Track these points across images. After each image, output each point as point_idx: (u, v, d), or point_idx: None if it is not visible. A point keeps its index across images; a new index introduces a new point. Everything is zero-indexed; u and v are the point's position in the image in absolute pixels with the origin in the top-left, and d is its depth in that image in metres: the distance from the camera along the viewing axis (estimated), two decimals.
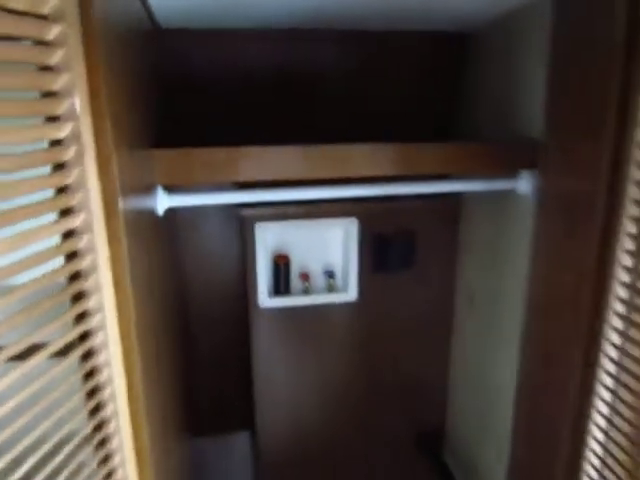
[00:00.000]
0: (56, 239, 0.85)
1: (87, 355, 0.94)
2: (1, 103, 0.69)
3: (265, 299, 2.00)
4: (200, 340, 2.20)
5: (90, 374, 0.95)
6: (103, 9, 0.86)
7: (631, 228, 1.04)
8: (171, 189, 1.43)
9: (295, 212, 1.93)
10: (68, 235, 0.87)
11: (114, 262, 0.94)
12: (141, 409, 1.04)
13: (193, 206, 1.88)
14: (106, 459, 1.01)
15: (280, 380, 2.16)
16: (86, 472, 0.94)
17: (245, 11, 1.57)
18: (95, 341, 0.94)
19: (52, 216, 0.83)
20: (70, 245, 0.87)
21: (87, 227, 0.88)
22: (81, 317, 0.91)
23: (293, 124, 1.94)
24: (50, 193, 0.82)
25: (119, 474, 1.04)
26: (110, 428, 1.00)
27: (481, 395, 2.01)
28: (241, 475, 2.53)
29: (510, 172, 1.48)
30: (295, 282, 2.06)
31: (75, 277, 0.90)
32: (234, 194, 1.51)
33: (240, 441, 2.50)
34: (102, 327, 0.95)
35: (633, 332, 1.08)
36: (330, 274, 2.07)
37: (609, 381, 1.17)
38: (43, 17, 0.74)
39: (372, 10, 1.58)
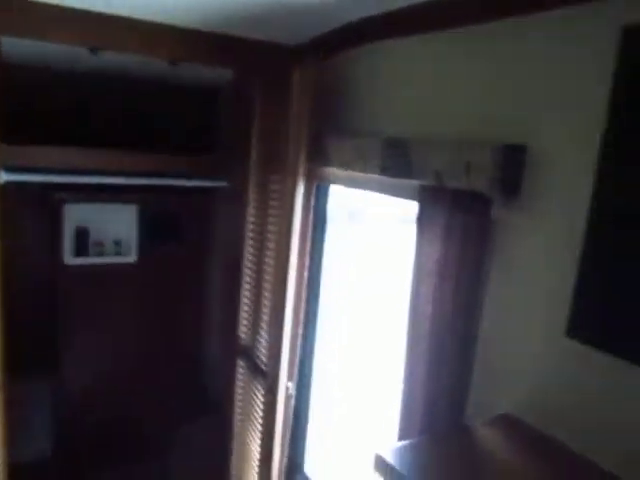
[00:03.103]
0: None
1: None
2: None
3: (69, 258, 2.83)
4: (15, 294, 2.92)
5: None
6: None
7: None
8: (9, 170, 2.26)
9: (94, 197, 2.82)
10: None
11: None
12: None
13: (21, 182, 2.59)
14: None
15: (80, 325, 2.97)
16: None
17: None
18: None
19: None
20: None
21: None
22: None
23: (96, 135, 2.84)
24: None
25: None
26: None
27: None
28: (41, 416, 3.22)
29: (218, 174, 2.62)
30: (92, 247, 2.92)
31: None
32: (45, 176, 2.38)
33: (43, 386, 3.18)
34: None
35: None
36: (117, 242, 2.98)
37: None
38: None
39: (145, 73, 2.61)
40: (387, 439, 1.62)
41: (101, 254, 2.94)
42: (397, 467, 1.04)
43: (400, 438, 1.40)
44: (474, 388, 1.30)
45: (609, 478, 0.99)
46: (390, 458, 1.06)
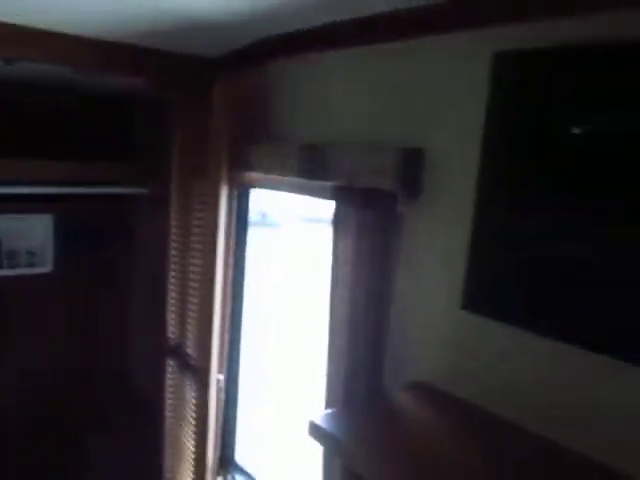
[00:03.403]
0: None
1: None
2: None
3: None
4: None
5: None
6: None
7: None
8: None
9: (6, 207, 2.75)
10: None
11: None
12: None
13: None
14: None
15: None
16: None
17: None
18: None
19: None
20: None
21: None
22: None
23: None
24: None
25: None
26: None
27: None
28: None
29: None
30: (5, 258, 2.85)
31: None
32: None
33: None
34: None
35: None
36: (32, 253, 2.93)
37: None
38: None
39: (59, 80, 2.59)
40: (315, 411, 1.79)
41: (14, 265, 2.89)
42: (329, 429, 1.20)
43: (326, 408, 1.57)
44: (389, 360, 1.49)
45: (504, 424, 1.21)
46: (321, 423, 1.22)
